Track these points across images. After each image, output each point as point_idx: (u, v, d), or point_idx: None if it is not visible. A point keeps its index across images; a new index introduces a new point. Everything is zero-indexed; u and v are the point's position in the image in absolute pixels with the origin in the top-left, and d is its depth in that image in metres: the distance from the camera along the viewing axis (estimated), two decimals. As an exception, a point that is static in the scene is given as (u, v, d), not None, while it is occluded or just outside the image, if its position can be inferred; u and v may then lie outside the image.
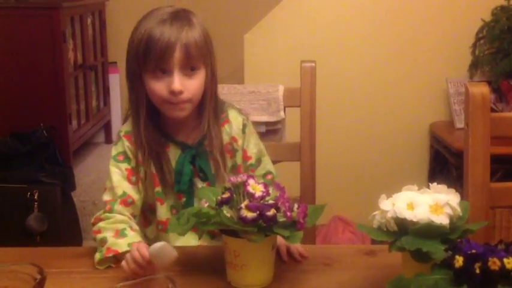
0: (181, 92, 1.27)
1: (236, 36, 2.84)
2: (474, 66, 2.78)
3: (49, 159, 2.63)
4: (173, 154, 1.35)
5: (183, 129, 1.36)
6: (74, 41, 2.99)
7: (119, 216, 1.28)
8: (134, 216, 1.33)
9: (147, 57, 1.26)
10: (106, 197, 1.32)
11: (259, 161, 1.41)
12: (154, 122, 1.34)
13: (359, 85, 2.88)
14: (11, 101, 2.79)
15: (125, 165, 1.33)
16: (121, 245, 1.20)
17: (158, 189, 1.35)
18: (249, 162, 1.39)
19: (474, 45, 2.77)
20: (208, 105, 1.33)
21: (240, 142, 1.38)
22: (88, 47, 3.20)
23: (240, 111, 1.42)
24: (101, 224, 1.27)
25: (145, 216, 1.40)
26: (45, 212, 2.49)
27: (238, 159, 1.39)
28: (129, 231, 1.24)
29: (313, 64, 1.57)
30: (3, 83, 2.78)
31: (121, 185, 1.31)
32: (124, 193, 1.31)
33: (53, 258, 1.24)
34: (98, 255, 1.20)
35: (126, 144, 1.34)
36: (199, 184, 1.35)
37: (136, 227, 1.29)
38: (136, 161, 1.34)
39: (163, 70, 1.27)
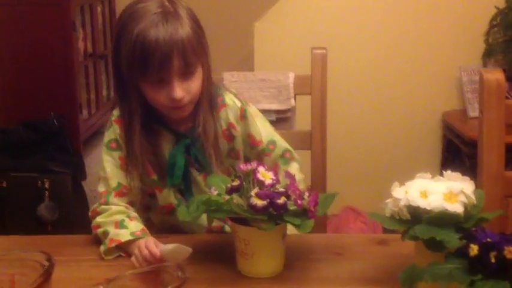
0: (182, 98, 1.22)
1: (246, 24, 2.82)
2: (487, 54, 2.74)
3: (60, 149, 2.63)
4: (167, 141, 1.31)
5: (175, 118, 1.30)
6: (84, 30, 2.98)
7: (115, 208, 1.26)
8: (133, 204, 1.30)
9: (144, 69, 1.19)
10: (101, 188, 1.30)
11: (272, 142, 1.36)
12: (147, 116, 1.28)
13: (370, 73, 2.86)
14: (21, 91, 2.79)
15: (118, 154, 1.30)
16: (123, 234, 1.19)
17: (154, 177, 1.32)
18: (260, 147, 1.35)
19: (488, 33, 2.74)
20: (205, 98, 1.28)
21: (238, 129, 1.33)
22: (98, 36, 3.19)
23: (236, 95, 1.36)
24: (99, 219, 1.25)
25: (146, 201, 1.36)
26: (56, 201, 2.49)
27: (238, 145, 1.34)
28: (128, 222, 1.23)
29: (324, 51, 1.55)
30: (13, 72, 2.78)
31: (115, 176, 1.28)
32: (119, 184, 1.28)
33: (62, 246, 1.24)
34: (102, 247, 1.20)
35: (117, 132, 1.30)
36: (196, 174, 1.31)
37: (134, 214, 1.27)
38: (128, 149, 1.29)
39: (161, 79, 1.21)
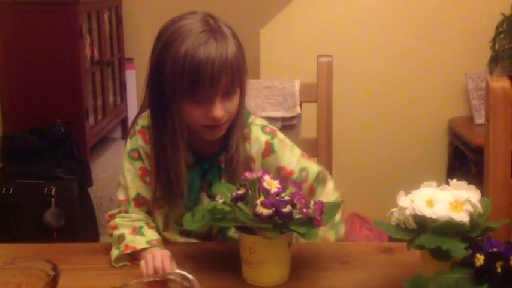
0: (222, 118, 1.20)
1: (252, 31, 2.82)
2: (494, 60, 2.74)
3: (66, 155, 2.64)
4: (185, 162, 1.27)
5: (202, 142, 1.28)
6: (90, 36, 2.99)
7: (135, 215, 1.27)
8: (149, 214, 1.31)
9: (193, 87, 1.16)
10: (120, 195, 1.31)
11: (304, 169, 1.32)
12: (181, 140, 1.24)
13: (376, 80, 2.86)
14: (28, 97, 2.80)
15: (139, 164, 1.30)
16: (139, 242, 1.19)
17: (157, 193, 1.29)
18: (293, 177, 1.30)
19: (494, 40, 2.73)
20: (239, 120, 1.26)
21: (257, 163, 1.30)
22: (105, 43, 3.20)
23: (264, 128, 1.32)
24: (118, 220, 1.26)
25: None
26: (62, 208, 2.50)
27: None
28: (146, 230, 1.23)
29: (330, 59, 1.55)
30: (20, 78, 2.80)
31: (135, 186, 1.29)
32: (138, 194, 1.29)
33: (68, 254, 1.24)
34: (115, 252, 1.19)
35: (139, 143, 1.29)
36: (205, 200, 1.29)
37: (153, 224, 1.28)
38: (149, 160, 1.28)
39: (205, 98, 1.18)
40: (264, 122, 1.35)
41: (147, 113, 1.29)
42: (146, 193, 1.30)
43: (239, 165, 1.26)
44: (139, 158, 1.30)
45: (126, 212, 1.28)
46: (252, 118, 1.34)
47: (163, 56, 1.18)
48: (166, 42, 1.19)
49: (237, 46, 1.20)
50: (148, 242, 1.19)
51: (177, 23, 1.20)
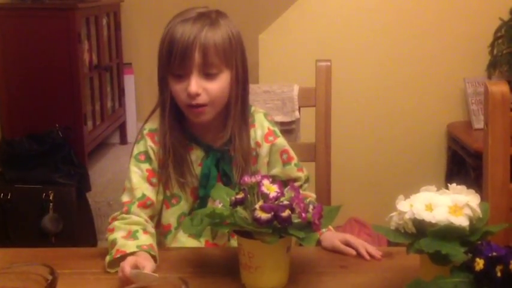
0: (198, 95, 1.25)
1: (251, 36, 2.83)
2: (492, 65, 2.74)
3: (64, 160, 2.64)
4: (195, 156, 1.34)
5: (209, 131, 1.34)
6: (89, 42, 3.00)
7: (134, 218, 1.26)
8: (152, 218, 1.31)
9: (169, 60, 1.26)
10: (124, 198, 1.30)
11: (299, 163, 1.42)
12: (179, 124, 1.32)
13: (375, 85, 2.86)
14: (26, 102, 2.80)
15: (145, 166, 1.31)
16: (129, 246, 1.18)
17: (167, 193, 1.34)
18: (294, 162, 1.40)
19: (492, 45, 2.74)
20: (233, 109, 1.31)
21: (262, 148, 1.36)
22: (103, 48, 3.21)
23: (266, 115, 1.40)
24: (116, 223, 1.26)
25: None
26: (60, 213, 2.49)
27: (260, 166, 1.37)
28: (141, 234, 1.23)
29: (329, 63, 1.55)
30: (18, 83, 2.80)
31: (141, 187, 1.29)
32: (143, 195, 1.29)
33: (66, 259, 1.23)
34: (107, 258, 1.19)
35: (148, 144, 1.32)
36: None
37: (151, 230, 1.27)
38: (158, 161, 1.32)
39: (182, 72, 1.26)
40: (265, 111, 1.43)
41: (153, 117, 1.36)
42: (152, 195, 1.30)
43: (245, 153, 1.32)
44: (146, 160, 1.32)
45: (128, 212, 1.28)
46: (253, 108, 1.40)
47: (162, 35, 1.29)
48: (166, 24, 1.29)
49: (224, 35, 1.27)
50: (138, 246, 1.18)
51: (188, 8, 1.31)
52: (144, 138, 1.34)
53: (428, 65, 2.84)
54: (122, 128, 3.63)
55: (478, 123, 2.70)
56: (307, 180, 1.44)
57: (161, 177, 1.32)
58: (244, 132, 1.33)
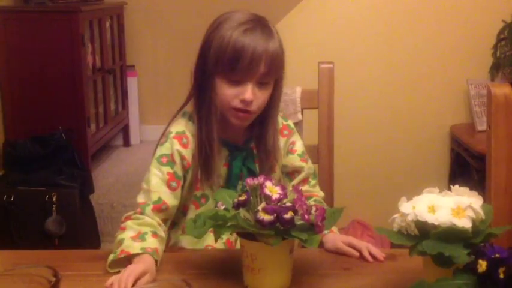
0: (251, 102, 1.28)
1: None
2: (495, 67, 2.74)
3: (67, 162, 2.64)
4: (221, 156, 1.35)
5: (237, 132, 1.36)
6: (92, 44, 3.00)
7: (148, 219, 1.26)
8: (166, 221, 1.30)
9: (233, 65, 1.25)
10: (140, 199, 1.30)
11: (305, 153, 1.44)
12: (214, 124, 1.33)
13: (378, 87, 2.86)
14: (30, 105, 2.81)
15: (167, 169, 1.30)
16: (135, 247, 1.18)
17: (197, 193, 1.35)
18: (297, 153, 1.42)
19: (495, 47, 2.74)
20: (274, 115, 1.35)
21: (280, 143, 1.40)
22: (106, 51, 3.21)
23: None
24: (129, 222, 1.25)
25: (174, 218, 1.37)
26: (63, 215, 2.50)
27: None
28: (149, 236, 1.22)
29: (331, 65, 1.55)
30: (22, 86, 2.81)
31: (158, 190, 1.29)
32: (159, 199, 1.28)
33: (69, 261, 1.23)
34: (111, 256, 1.18)
35: (175, 147, 1.31)
36: None
37: (161, 234, 1.25)
38: (183, 165, 1.32)
39: (240, 79, 1.27)
40: None
41: (179, 120, 1.36)
42: (169, 199, 1.29)
43: (271, 152, 1.36)
44: (169, 163, 1.31)
45: (142, 213, 1.27)
46: None
47: (212, 36, 1.29)
48: (216, 26, 1.29)
49: (280, 44, 1.31)
50: (143, 248, 1.18)
51: (228, 13, 1.31)
52: (169, 140, 1.33)
53: (431, 67, 2.84)
54: (125, 130, 3.64)
55: (481, 125, 2.70)
56: (314, 175, 1.45)
57: (191, 178, 1.33)
58: (275, 137, 1.36)
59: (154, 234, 1.23)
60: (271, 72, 1.28)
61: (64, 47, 2.77)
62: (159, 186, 1.29)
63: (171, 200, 1.30)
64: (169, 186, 1.30)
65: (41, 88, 2.80)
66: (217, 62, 1.27)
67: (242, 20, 1.28)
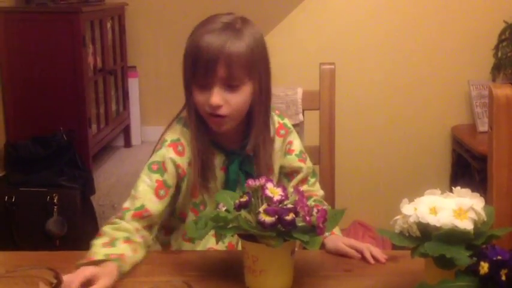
0: (219, 107, 1.25)
1: (255, 40, 2.83)
2: (497, 68, 2.74)
3: (69, 163, 2.64)
4: (217, 161, 1.34)
5: (230, 137, 1.35)
6: (93, 45, 3.00)
7: (124, 224, 1.24)
8: (150, 227, 1.28)
9: (193, 70, 1.26)
10: (126, 204, 1.29)
11: (303, 152, 1.43)
12: (204, 131, 1.32)
13: (379, 88, 2.86)
14: (31, 105, 2.80)
15: (156, 176, 1.29)
16: (98, 253, 1.16)
17: (195, 200, 1.34)
18: (296, 152, 1.41)
19: (496, 48, 2.74)
20: (257, 118, 1.31)
21: (277, 143, 1.39)
22: (107, 52, 3.21)
23: (273, 109, 1.41)
24: (104, 228, 1.24)
25: (171, 223, 1.37)
26: (64, 216, 2.49)
27: (275, 161, 1.39)
28: (120, 243, 1.19)
29: (333, 66, 1.55)
30: (23, 87, 2.81)
31: (143, 197, 1.27)
32: (142, 206, 1.26)
33: (70, 262, 1.22)
34: (78, 263, 1.15)
35: (169, 156, 1.30)
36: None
37: (137, 239, 1.23)
38: (177, 173, 1.30)
39: (205, 83, 1.26)
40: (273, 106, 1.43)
41: (174, 127, 1.35)
42: (153, 206, 1.27)
43: (268, 159, 1.34)
44: (159, 170, 1.29)
45: (122, 218, 1.26)
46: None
47: (187, 41, 1.29)
48: (192, 30, 1.29)
49: (249, 45, 1.26)
50: (106, 255, 1.15)
51: (212, 16, 1.29)
52: (163, 148, 1.31)
53: (433, 67, 2.84)
54: (126, 131, 3.63)
55: (483, 126, 2.70)
56: (313, 173, 1.44)
57: (188, 185, 1.32)
58: (267, 139, 1.34)
59: (127, 240, 1.21)
60: (235, 74, 1.24)
61: (65, 47, 2.76)
62: (145, 193, 1.27)
63: (155, 207, 1.27)
64: (157, 194, 1.28)
65: (42, 89, 2.79)
66: (185, 70, 1.28)
67: (212, 25, 1.26)
